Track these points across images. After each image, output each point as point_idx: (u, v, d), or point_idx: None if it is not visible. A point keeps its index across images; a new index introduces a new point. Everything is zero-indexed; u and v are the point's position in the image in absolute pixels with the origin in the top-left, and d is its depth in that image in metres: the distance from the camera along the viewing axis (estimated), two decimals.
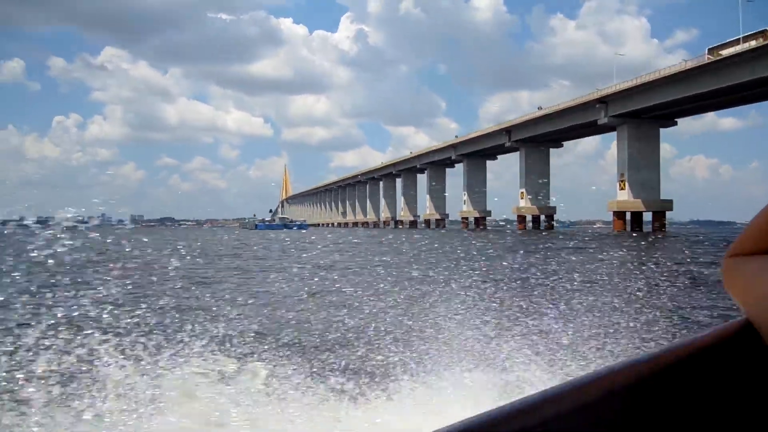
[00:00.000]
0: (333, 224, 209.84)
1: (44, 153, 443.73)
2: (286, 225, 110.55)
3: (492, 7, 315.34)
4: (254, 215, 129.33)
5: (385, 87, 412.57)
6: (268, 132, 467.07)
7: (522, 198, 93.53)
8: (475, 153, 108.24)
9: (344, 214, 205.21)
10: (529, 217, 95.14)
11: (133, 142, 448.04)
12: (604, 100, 71.06)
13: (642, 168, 71.27)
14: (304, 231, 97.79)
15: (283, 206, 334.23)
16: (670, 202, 71.83)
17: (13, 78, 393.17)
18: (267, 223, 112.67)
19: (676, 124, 73.71)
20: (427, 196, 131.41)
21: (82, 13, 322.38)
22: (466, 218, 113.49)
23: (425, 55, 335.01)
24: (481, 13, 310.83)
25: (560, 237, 52.44)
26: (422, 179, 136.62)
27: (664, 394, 0.67)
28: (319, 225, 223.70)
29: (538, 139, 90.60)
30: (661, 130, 74.09)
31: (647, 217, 73.17)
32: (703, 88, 58.20)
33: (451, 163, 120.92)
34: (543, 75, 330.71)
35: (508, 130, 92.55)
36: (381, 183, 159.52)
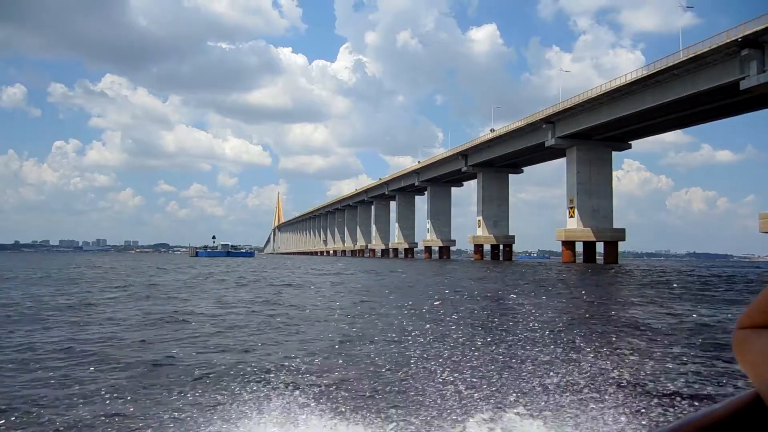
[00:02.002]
0: (315, 252, 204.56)
1: (43, 178, 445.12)
2: (230, 252, 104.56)
3: (489, 40, 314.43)
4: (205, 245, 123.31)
5: (383, 117, 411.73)
6: (266, 160, 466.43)
7: (479, 226, 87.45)
8: (438, 180, 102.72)
9: (325, 242, 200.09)
10: (487, 247, 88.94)
11: (131, 169, 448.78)
12: (550, 120, 65.54)
13: (593, 194, 65.27)
14: (250, 258, 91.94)
15: (274, 234, 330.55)
16: (622, 231, 65.46)
17: (14, 104, 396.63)
18: (209, 250, 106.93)
19: (630, 146, 67.78)
20: (396, 225, 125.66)
21: (83, 41, 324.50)
22: (429, 247, 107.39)
23: (422, 85, 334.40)
24: (478, 45, 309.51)
25: (493, 271, 46.62)
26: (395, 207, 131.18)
27: None
28: (293, 254, 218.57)
29: (495, 163, 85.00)
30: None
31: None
32: (647, 104, 52.59)
33: (417, 190, 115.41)
34: (539, 106, 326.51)
35: (464, 154, 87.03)
36: (357, 210, 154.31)
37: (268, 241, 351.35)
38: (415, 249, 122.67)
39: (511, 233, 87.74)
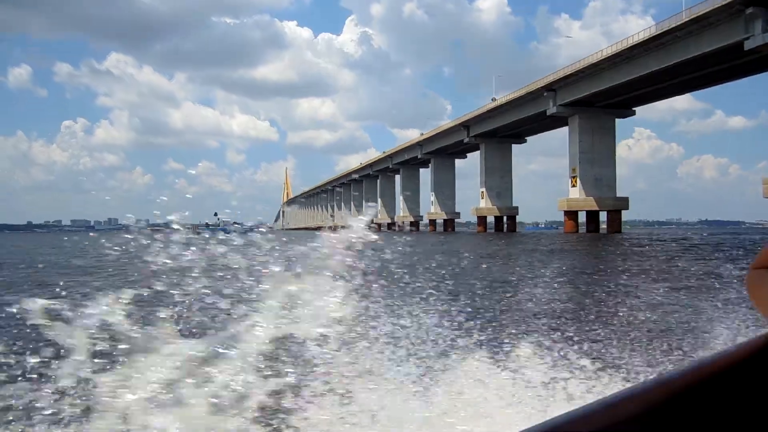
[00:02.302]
0: (323, 227, 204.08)
1: (52, 158, 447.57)
2: (225, 229, 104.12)
3: (497, 9, 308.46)
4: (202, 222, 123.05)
5: (390, 90, 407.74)
6: (274, 136, 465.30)
7: (482, 198, 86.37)
8: (441, 151, 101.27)
9: (333, 216, 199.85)
10: (491, 219, 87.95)
11: (139, 147, 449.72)
12: (552, 88, 63.87)
13: (595, 163, 63.88)
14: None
15: (283, 210, 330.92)
16: (625, 200, 64.16)
17: (20, 84, 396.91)
18: (210, 227, 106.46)
19: (634, 113, 66.05)
20: (401, 198, 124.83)
21: (87, 20, 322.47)
22: (434, 220, 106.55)
23: (430, 57, 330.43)
24: (485, 15, 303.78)
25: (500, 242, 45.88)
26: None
27: (698, 411, 0.65)
28: (301, 229, 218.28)
29: (497, 134, 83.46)
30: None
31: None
32: (650, 68, 50.89)
33: (421, 163, 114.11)
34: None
35: (466, 125, 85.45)
36: (363, 184, 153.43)
37: (277, 218, 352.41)
38: (420, 222, 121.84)
39: (515, 204, 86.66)
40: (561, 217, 70.30)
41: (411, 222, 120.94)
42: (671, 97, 62.97)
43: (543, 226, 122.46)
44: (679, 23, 45.27)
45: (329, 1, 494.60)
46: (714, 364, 0.70)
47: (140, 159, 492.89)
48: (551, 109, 64.56)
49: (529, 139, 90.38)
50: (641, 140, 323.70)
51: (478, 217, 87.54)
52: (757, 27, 40.31)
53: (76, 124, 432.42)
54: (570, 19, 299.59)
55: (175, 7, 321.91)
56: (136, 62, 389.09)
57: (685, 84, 55.88)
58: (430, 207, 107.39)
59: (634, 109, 65.71)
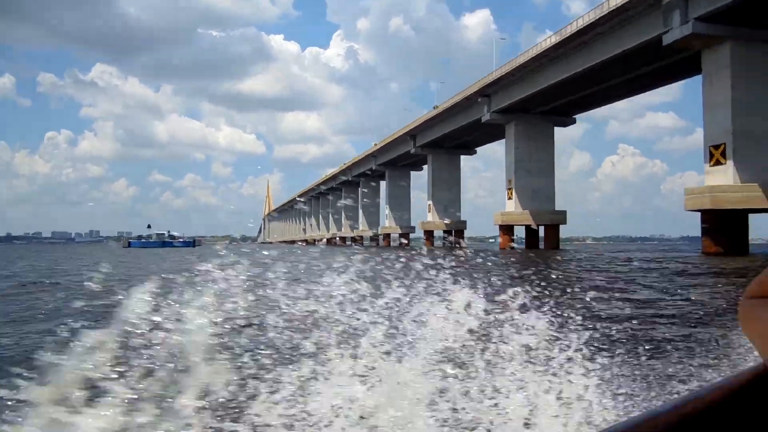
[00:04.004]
0: (296, 242, 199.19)
1: (35, 169, 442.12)
2: (165, 242, 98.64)
3: (482, 26, 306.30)
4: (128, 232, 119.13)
5: (377, 104, 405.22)
6: (261, 149, 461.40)
7: (429, 211, 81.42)
8: (395, 163, 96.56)
9: (304, 230, 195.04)
10: (439, 233, 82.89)
11: (123, 159, 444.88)
12: (485, 93, 59.18)
13: (533, 173, 59.02)
14: (191, 249, 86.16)
15: (265, 223, 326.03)
16: (563, 214, 59.15)
17: (3, 94, 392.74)
18: (143, 240, 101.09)
19: (574, 121, 61.32)
20: (360, 212, 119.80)
21: (71, 30, 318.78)
22: (388, 235, 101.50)
23: (416, 72, 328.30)
24: (471, 32, 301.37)
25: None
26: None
27: None
28: (271, 243, 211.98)
29: (444, 144, 78.77)
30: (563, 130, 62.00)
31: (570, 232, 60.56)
32: (573, 69, 46.24)
33: (380, 175, 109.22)
34: None
35: (412, 135, 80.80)
36: (329, 198, 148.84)
37: (260, 231, 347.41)
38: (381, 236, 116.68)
39: (464, 218, 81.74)
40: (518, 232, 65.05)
41: (371, 236, 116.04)
42: (609, 102, 58.23)
43: (492, 240, 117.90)
44: (596, 17, 40.57)
45: (316, 15, 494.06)
46: (706, 397, 0.67)
47: (124, 171, 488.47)
48: (485, 116, 59.87)
49: (482, 149, 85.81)
50: (626, 156, 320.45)
51: (425, 231, 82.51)
52: (675, 19, 35.61)
53: (59, 135, 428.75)
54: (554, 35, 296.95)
55: (161, 19, 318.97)
56: (121, 73, 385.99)
57: (621, 87, 51.10)
58: (384, 221, 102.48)
59: (574, 117, 60.96)
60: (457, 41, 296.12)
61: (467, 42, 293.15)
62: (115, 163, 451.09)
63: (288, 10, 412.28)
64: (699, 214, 36.24)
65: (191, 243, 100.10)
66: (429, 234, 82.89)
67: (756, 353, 0.72)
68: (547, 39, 46.80)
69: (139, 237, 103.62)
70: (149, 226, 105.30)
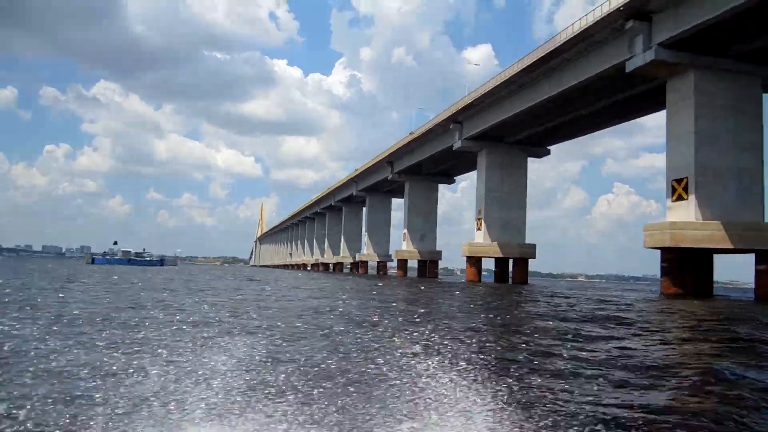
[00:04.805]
0: (282, 266, 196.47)
1: (32, 182, 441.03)
2: (131, 260, 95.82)
3: (484, 60, 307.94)
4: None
5: (376, 133, 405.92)
6: (258, 172, 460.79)
7: (404, 240, 78.98)
8: (376, 189, 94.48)
9: (291, 254, 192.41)
10: (413, 263, 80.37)
11: (121, 176, 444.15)
12: (457, 120, 57.37)
13: (504, 204, 56.80)
14: (156, 268, 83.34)
15: (256, 246, 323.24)
16: (532, 247, 56.71)
17: (5, 105, 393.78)
18: (107, 257, 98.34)
19: (548, 152, 59.27)
20: (342, 238, 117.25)
21: (78, 45, 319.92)
22: (365, 262, 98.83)
23: (416, 103, 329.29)
24: (473, 66, 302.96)
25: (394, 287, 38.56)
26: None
27: None
28: (271, 266, 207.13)
29: (422, 171, 76.82)
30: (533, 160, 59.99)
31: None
32: (542, 96, 44.37)
33: (363, 201, 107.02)
34: None
35: (390, 161, 78.94)
36: (315, 222, 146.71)
37: (251, 254, 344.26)
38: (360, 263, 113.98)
39: (439, 248, 79.19)
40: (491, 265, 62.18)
41: (351, 263, 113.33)
42: (583, 134, 56.06)
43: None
44: (562, 41, 38.79)
45: (320, 42, 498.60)
46: None
47: (121, 187, 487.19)
48: (457, 143, 57.94)
49: (463, 177, 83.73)
50: (620, 195, 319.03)
51: (398, 260, 79.99)
52: (638, 45, 33.80)
53: (58, 148, 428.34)
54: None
55: (167, 38, 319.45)
56: (123, 90, 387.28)
57: (587, 118, 49.17)
58: (363, 249, 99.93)
59: (548, 147, 58.99)
60: (458, 74, 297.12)
61: (468, 74, 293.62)
62: (111, 179, 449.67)
63: (293, 35, 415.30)
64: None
65: (159, 262, 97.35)
66: (403, 263, 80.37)
67: None
68: (515, 65, 45.04)
69: (104, 253, 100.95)
70: (115, 243, 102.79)
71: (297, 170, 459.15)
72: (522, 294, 33.07)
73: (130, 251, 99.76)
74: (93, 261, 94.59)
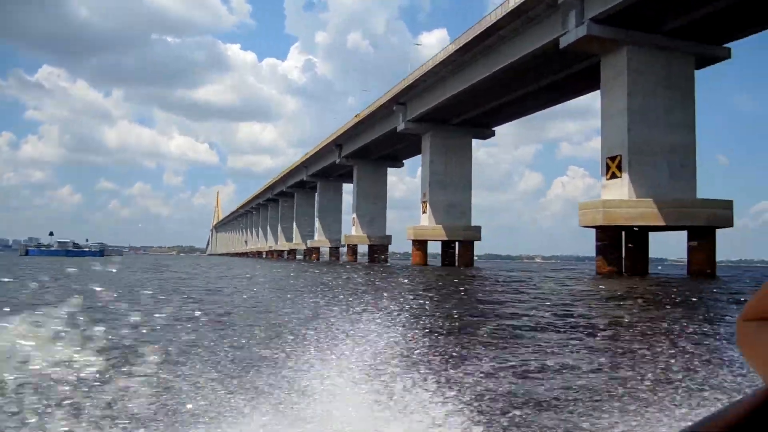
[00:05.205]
0: (239, 254, 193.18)
1: None
2: (69, 251, 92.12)
3: (440, 44, 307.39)
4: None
5: (333, 118, 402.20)
6: (214, 159, 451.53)
7: (354, 225, 77.76)
8: (326, 174, 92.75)
9: (246, 242, 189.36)
10: (364, 249, 79.25)
11: (69, 165, 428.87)
12: (401, 101, 56.12)
13: (449, 187, 56.04)
14: (98, 258, 79.92)
15: (212, 235, 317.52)
16: (477, 230, 56.26)
17: None
18: (42, 248, 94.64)
19: (493, 133, 58.72)
20: (294, 224, 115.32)
21: (17, 29, 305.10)
22: (317, 248, 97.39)
23: (373, 88, 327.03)
24: (428, 50, 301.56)
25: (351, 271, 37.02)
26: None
27: None
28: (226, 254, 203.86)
29: (370, 155, 75.47)
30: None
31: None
32: (480, 75, 43.45)
33: (310, 186, 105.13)
34: None
35: (338, 144, 77.22)
36: (268, 209, 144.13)
37: (208, 243, 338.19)
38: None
39: (389, 232, 78.27)
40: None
41: (304, 250, 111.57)
42: (527, 114, 55.43)
43: None
44: (497, 19, 37.83)
45: (274, 26, 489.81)
46: (711, 425, 0.64)
47: (70, 177, 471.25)
48: (401, 126, 56.76)
49: (414, 160, 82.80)
50: (576, 178, 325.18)
51: (348, 246, 78.75)
52: (571, 21, 33.08)
53: (0, 137, 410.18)
54: None
55: (114, 22, 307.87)
56: (69, 76, 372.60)
57: (529, 98, 48.57)
58: (315, 235, 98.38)
59: (493, 129, 58.42)
60: (414, 58, 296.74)
61: (424, 59, 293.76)
62: (60, 168, 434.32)
63: (245, 19, 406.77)
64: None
65: (99, 252, 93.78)
66: (353, 249, 79.18)
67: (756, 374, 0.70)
68: (452, 44, 43.97)
69: (38, 245, 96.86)
70: (51, 234, 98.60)
71: (253, 157, 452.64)
72: (445, 276, 32.23)
73: (67, 242, 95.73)
74: (27, 253, 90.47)
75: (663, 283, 23.58)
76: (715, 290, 20.68)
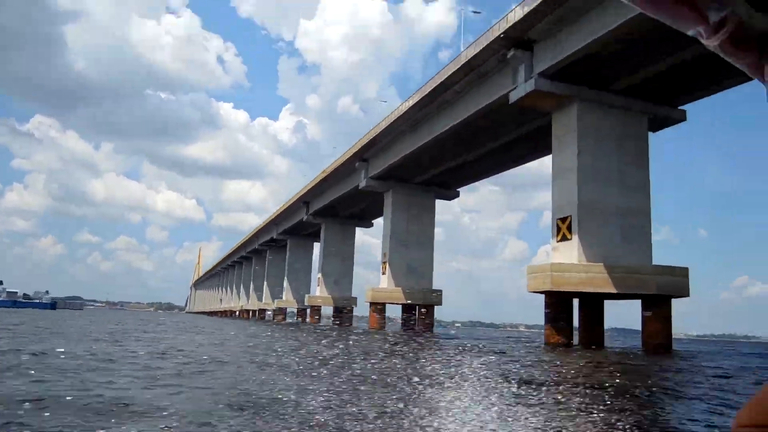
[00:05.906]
0: (213, 312, 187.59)
1: None
2: (17, 302, 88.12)
3: None
4: None
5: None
6: (201, 215, 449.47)
7: (318, 285, 74.73)
8: (296, 232, 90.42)
9: (221, 300, 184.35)
10: (328, 310, 75.91)
11: (56, 215, 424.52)
12: (363, 157, 54.61)
13: (410, 247, 53.68)
14: (49, 311, 75.92)
15: (192, 292, 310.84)
16: (438, 293, 53.55)
17: None
18: None
19: (457, 194, 57.05)
20: (265, 284, 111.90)
21: (14, 78, 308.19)
22: (284, 309, 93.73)
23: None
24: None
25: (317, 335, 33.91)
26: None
27: None
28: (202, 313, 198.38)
29: (338, 213, 73.43)
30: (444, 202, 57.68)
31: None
32: (438, 131, 42.03)
33: (281, 244, 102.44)
34: None
35: (305, 201, 75.33)
36: (242, 267, 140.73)
37: (187, 300, 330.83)
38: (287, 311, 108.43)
39: (354, 294, 75.17)
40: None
41: (273, 311, 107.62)
42: (487, 176, 54.00)
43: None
44: (450, 73, 36.66)
45: (267, 87, 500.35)
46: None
47: (53, 227, 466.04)
48: (362, 183, 54.98)
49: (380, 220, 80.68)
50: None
51: (311, 307, 75.46)
52: (521, 75, 31.83)
53: None
54: None
55: (109, 75, 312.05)
56: (60, 126, 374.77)
57: (488, 158, 47.05)
58: (282, 294, 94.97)
59: (457, 190, 56.77)
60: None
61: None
62: (44, 218, 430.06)
63: (240, 79, 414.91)
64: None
65: (50, 305, 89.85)
66: (317, 310, 75.87)
67: None
68: (410, 99, 42.78)
69: None
70: (0, 283, 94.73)
71: (240, 214, 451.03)
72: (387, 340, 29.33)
73: (16, 292, 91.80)
74: None
75: (599, 362, 20.77)
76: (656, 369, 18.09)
